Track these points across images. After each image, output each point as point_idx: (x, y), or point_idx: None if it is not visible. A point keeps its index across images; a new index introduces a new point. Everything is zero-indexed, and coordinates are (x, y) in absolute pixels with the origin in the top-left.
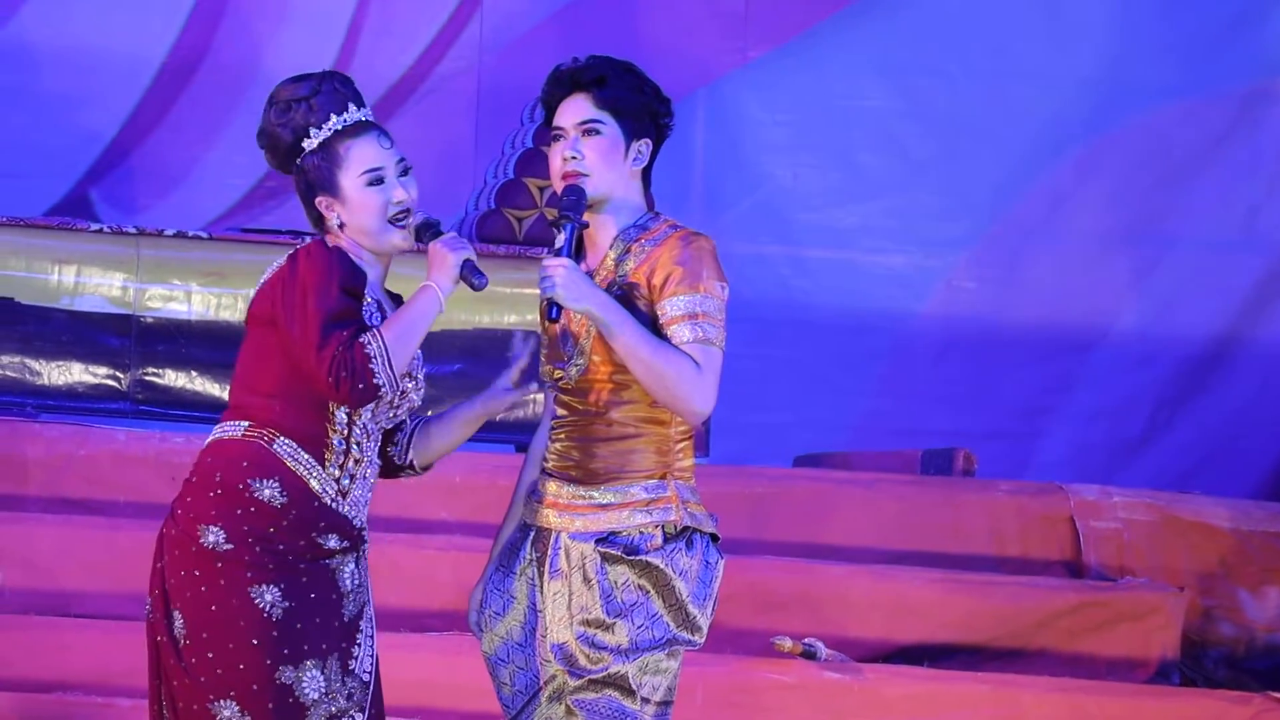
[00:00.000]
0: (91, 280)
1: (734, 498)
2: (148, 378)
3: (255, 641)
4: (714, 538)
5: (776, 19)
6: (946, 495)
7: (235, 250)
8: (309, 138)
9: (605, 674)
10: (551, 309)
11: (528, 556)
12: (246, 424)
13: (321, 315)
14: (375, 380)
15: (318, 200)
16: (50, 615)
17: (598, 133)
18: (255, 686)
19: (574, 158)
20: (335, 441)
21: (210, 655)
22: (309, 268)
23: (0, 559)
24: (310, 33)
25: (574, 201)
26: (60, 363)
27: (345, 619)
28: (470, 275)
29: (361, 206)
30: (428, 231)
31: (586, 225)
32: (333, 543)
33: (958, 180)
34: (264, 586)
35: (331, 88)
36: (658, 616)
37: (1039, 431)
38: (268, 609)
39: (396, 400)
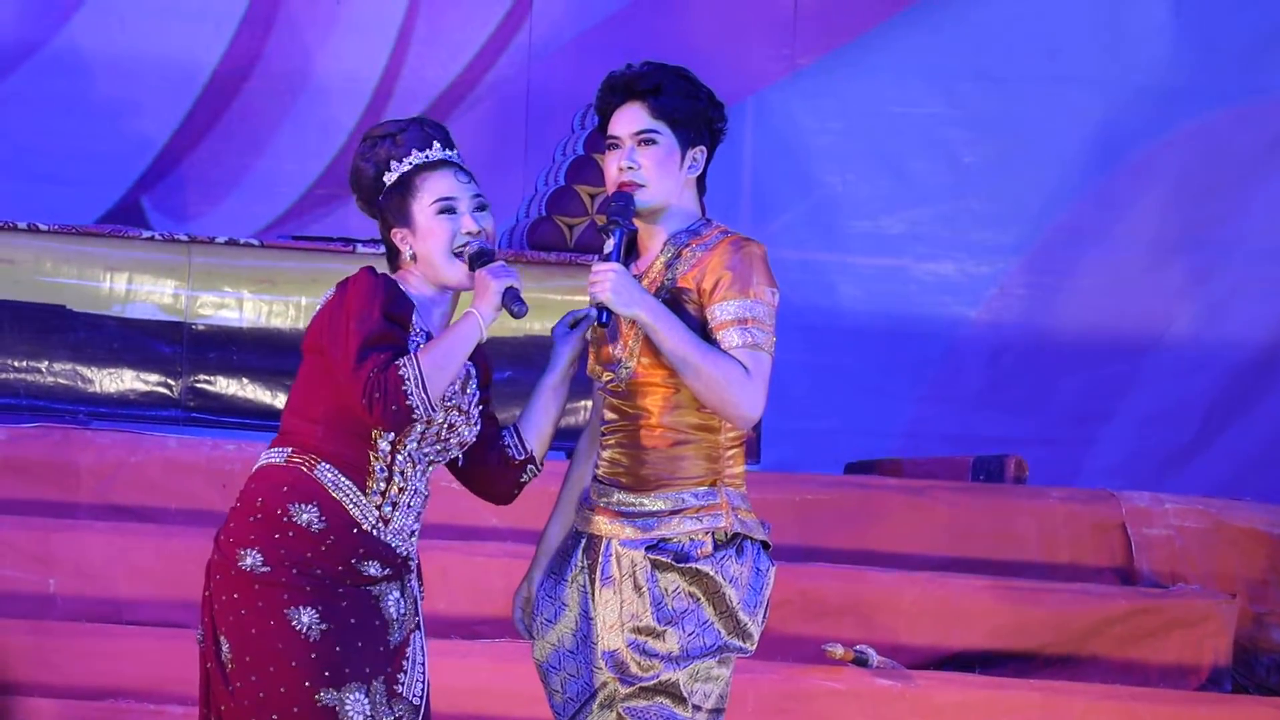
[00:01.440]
0: (143, 288)
1: (785, 504)
2: (199, 385)
3: (294, 663)
4: (765, 545)
5: (825, 26)
6: (998, 502)
7: (286, 257)
8: (389, 171)
9: (656, 681)
10: (602, 314)
11: (579, 563)
12: (290, 450)
13: (360, 337)
14: (408, 402)
15: (394, 233)
16: (101, 622)
17: (654, 142)
18: (296, 709)
19: (630, 168)
20: (377, 469)
21: (253, 678)
22: (354, 293)
23: (52, 566)
24: (360, 40)
25: (622, 207)
26: (112, 370)
27: (390, 645)
28: (510, 302)
29: (429, 234)
30: (479, 260)
31: (635, 230)
32: (374, 570)
33: (1009, 187)
34: (300, 608)
35: (419, 127)
36: (708, 624)
37: (1090, 438)
38: (305, 630)
39: (445, 433)
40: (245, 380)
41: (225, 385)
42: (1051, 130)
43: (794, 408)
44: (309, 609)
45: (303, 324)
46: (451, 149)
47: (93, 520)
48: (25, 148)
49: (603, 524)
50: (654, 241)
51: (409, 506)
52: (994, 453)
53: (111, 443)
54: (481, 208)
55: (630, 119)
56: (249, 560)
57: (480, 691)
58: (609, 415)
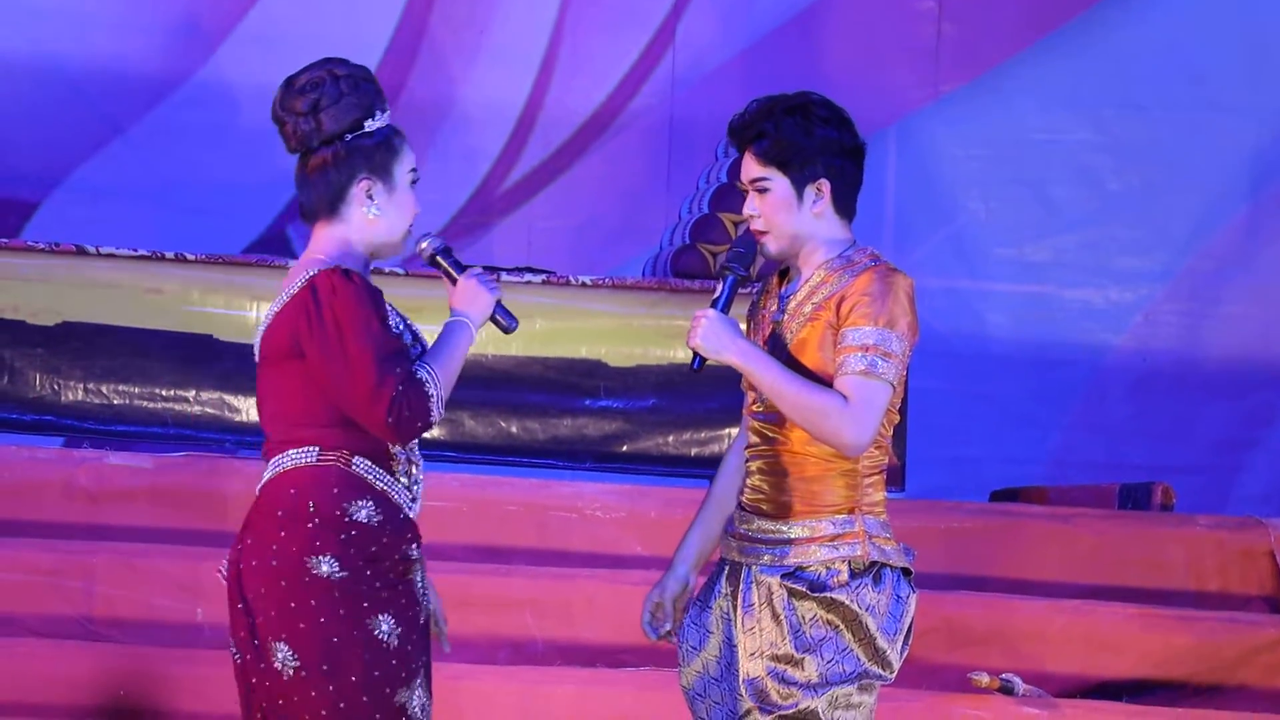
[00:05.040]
0: None
1: (930, 533)
2: None
3: (378, 672)
4: (906, 572)
5: (968, 53)
6: (1144, 530)
7: (431, 286)
8: (374, 118)
9: (795, 710)
10: (695, 359)
11: (723, 590)
12: (317, 449)
13: (371, 355)
14: (432, 419)
15: (361, 184)
16: None
17: (767, 190)
18: (378, 715)
19: (752, 216)
20: (398, 453)
21: (331, 688)
22: (344, 304)
23: (200, 595)
24: (504, 69)
25: (741, 253)
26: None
27: (422, 627)
28: (502, 317)
29: (405, 203)
30: (448, 255)
31: (748, 278)
32: (415, 552)
33: (1154, 213)
34: (381, 616)
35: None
36: (848, 650)
37: (1238, 465)
38: (386, 638)
39: None
40: None
41: None
42: (1197, 156)
43: (940, 436)
44: (387, 615)
45: None
46: None
47: None
48: (172, 179)
49: (744, 551)
50: (806, 267)
51: (422, 481)
52: (1140, 480)
53: (259, 471)
54: None
55: (746, 167)
56: (325, 568)
57: (626, 719)
58: (753, 439)
